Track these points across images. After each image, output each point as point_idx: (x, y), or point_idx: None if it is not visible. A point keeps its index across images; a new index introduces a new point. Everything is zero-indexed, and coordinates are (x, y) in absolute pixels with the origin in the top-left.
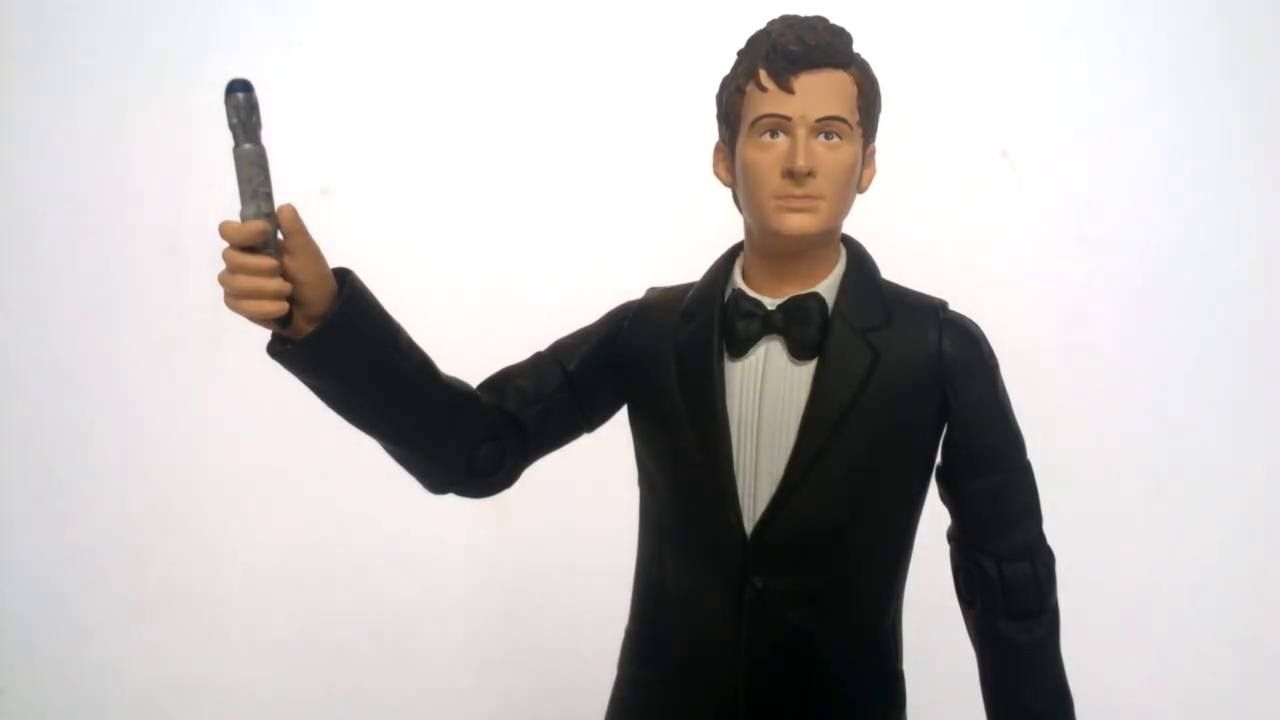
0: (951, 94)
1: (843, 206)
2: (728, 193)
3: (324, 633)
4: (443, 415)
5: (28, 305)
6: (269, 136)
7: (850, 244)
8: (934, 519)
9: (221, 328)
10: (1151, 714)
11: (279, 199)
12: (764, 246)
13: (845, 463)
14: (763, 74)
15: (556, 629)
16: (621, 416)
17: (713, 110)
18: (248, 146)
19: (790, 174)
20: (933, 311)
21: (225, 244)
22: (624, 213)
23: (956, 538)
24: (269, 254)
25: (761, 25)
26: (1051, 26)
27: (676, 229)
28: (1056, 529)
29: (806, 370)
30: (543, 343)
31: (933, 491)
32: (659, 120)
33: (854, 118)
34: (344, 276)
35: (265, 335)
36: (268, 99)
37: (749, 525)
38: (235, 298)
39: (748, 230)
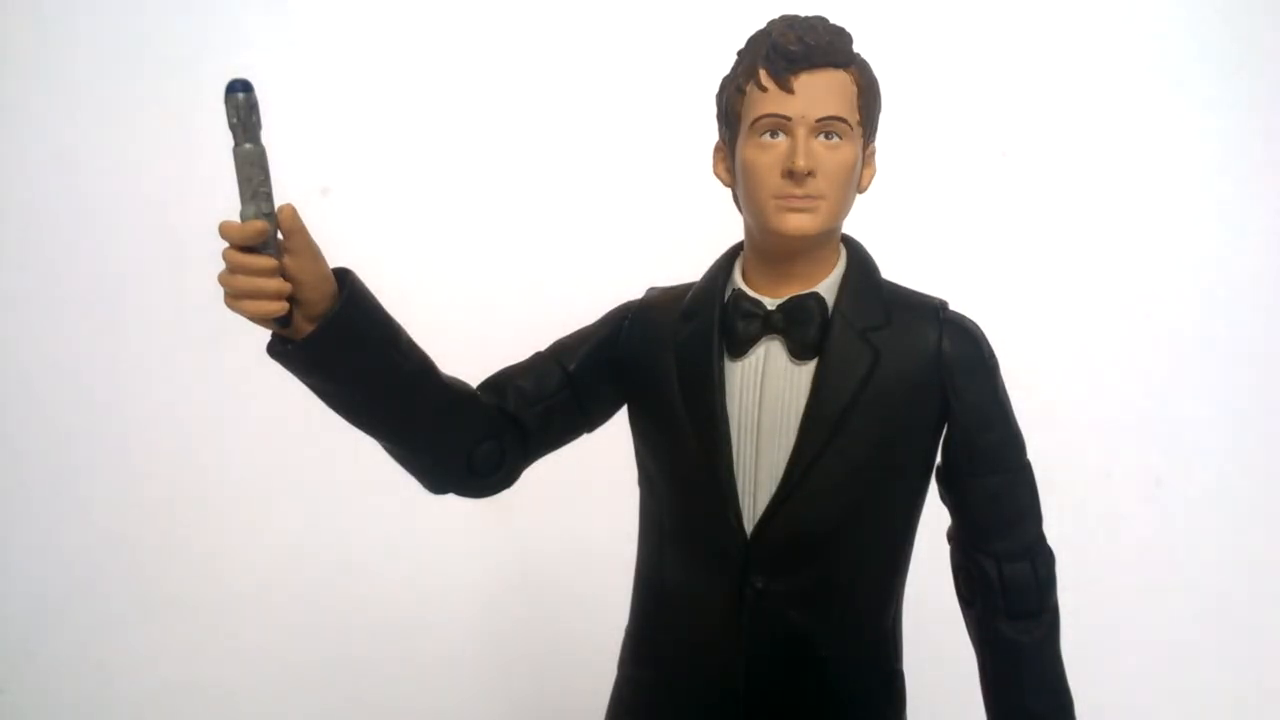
0: (951, 94)
1: (843, 206)
2: (728, 193)
3: (324, 633)
4: (442, 415)
5: (28, 305)
6: (269, 136)
7: (850, 244)
8: (934, 519)
9: (222, 328)
10: (1151, 714)
11: (279, 199)
12: (764, 246)
13: (845, 463)
14: (763, 74)
15: (556, 629)
16: (621, 416)
17: (712, 110)
18: (248, 146)
19: (790, 174)
20: (933, 311)
21: (225, 244)
22: (624, 213)
23: (956, 537)
24: (269, 254)
25: (761, 25)
26: (1052, 26)
27: (676, 229)
28: (1056, 529)
29: (806, 370)
30: (543, 343)
31: (933, 491)
32: (659, 120)
33: (854, 118)
34: (344, 276)
35: (265, 335)
36: (268, 99)
37: (749, 525)
38: (235, 298)
39: (748, 230)
